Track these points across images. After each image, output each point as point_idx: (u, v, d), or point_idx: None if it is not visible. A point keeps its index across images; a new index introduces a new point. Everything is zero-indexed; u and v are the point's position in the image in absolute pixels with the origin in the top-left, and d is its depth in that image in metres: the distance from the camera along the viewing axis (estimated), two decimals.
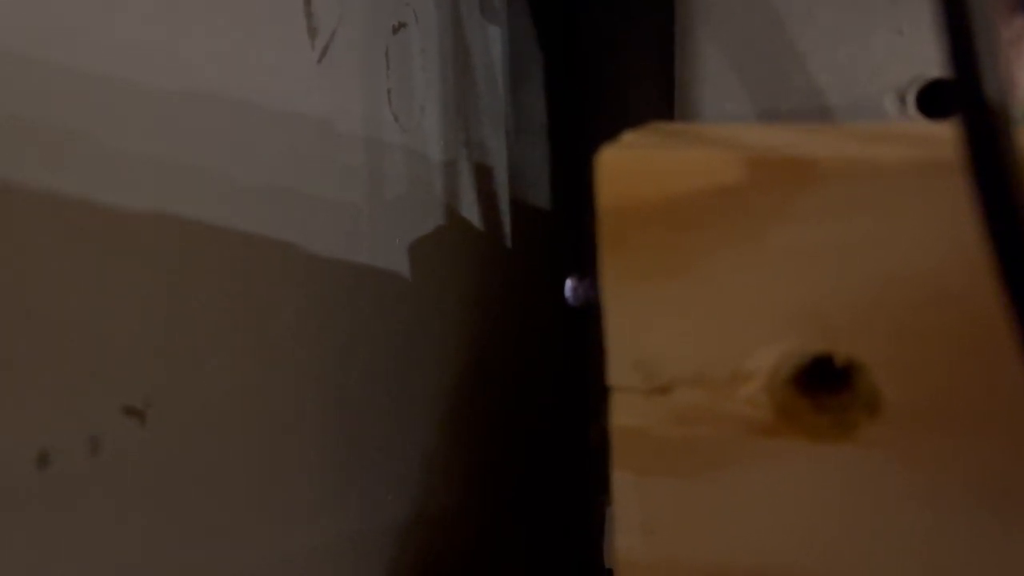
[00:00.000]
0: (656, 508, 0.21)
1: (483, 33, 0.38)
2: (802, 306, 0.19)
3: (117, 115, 0.21)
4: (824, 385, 0.20)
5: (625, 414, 0.21)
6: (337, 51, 0.28)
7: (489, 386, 0.40)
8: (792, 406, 0.20)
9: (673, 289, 0.20)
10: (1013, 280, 0.15)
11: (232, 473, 0.24)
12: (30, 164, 0.19)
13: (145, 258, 0.21)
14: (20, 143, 0.18)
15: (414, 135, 0.33)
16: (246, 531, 0.25)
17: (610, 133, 0.21)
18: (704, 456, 0.21)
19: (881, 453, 0.19)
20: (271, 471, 0.26)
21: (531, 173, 0.43)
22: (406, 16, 0.32)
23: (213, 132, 0.23)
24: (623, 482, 0.21)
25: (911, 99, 0.28)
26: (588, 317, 0.43)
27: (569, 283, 0.41)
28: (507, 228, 0.41)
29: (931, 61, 0.28)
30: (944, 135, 0.17)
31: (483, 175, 0.39)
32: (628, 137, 0.21)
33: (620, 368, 0.20)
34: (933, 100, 0.28)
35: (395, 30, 0.31)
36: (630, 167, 0.19)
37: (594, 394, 0.22)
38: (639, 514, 0.21)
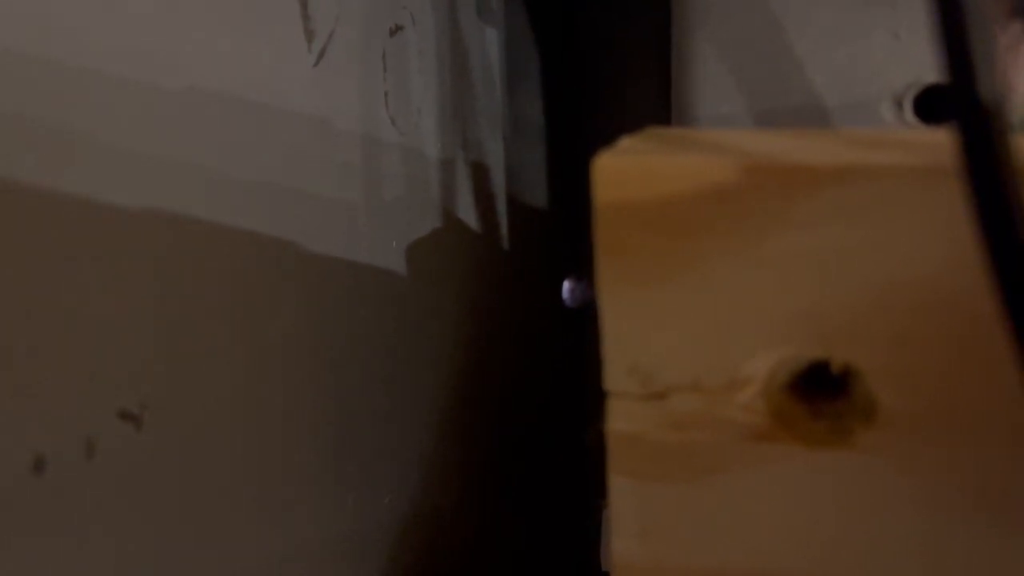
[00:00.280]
0: (652, 513, 0.21)
1: (480, 35, 0.38)
2: (799, 312, 0.19)
3: (114, 116, 0.21)
4: (820, 391, 0.20)
5: (621, 419, 0.21)
6: (334, 54, 0.28)
7: (486, 387, 0.40)
8: (788, 412, 0.20)
9: (670, 295, 0.20)
10: (1009, 285, 0.15)
11: (229, 476, 0.24)
12: (25, 164, 0.18)
13: (141, 260, 0.21)
14: (16, 142, 0.18)
15: (411, 137, 0.33)
16: (243, 534, 0.25)
17: (607, 134, 0.21)
18: (700, 461, 0.21)
19: (877, 459, 0.19)
20: (268, 473, 0.26)
21: (528, 174, 0.43)
22: (403, 19, 0.32)
23: (210, 134, 0.23)
24: (620, 487, 0.21)
25: (908, 104, 0.28)
26: (585, 318, 0.43)
27: (566, 284, 0.41)
28: (504, 229, 0.41)
29: (928, 66, 0.28)
30: (941, 141, 0.17)
31: (480, 176, 0.39)
32: (625, 142, 0.21)
33: (616, 373, 0.20)
34: (930, 105, 0.28)
35: (392, 33, 0.31)
36: (627, 173, 0.19)
37: (592, 395, 0.22)
38: (635, 518, 0.21)
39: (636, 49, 0.43)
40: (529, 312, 0.43)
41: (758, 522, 0.20)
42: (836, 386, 0.19)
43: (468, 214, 0.38)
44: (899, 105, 0.28)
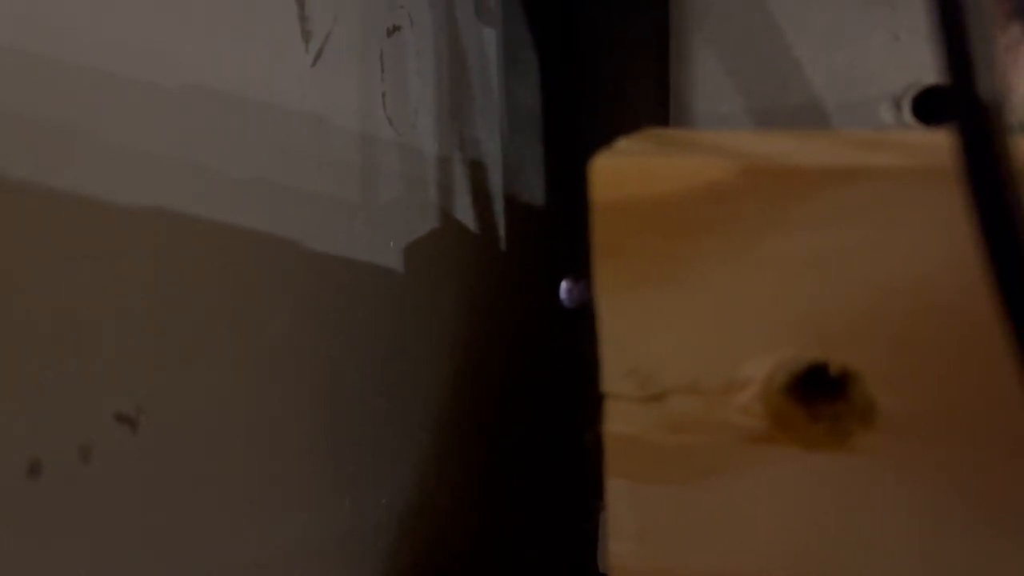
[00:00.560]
0: (650, 515, 0.21)
1: (478, 35, 0.38)
2: (797, 315, 0.19)
3: (111, 114, 0.20)
4: (819, 394, 0.20)
5: (619, 421, 0.21)
6: (331, 54, 0.28)
7: (484, 387, 0.39)
8: (787, 414, 0.20)
9: (667, 297, 0.20)
10: (1008, 288, 0.15)
11: (226, 478, 0.24)
12: (20, 162, 0.18)
13: (137, 260, 0.21)
14: (12, 140, 0.18)
15: (409, 138, 0.33)
16: (240, 536, 0.25)
17: (605, 134, 0.21)
18: (698, 464, 0.20)
19: (876, 462, 0.19)
20: (265, 475, 0.26)
21: (526, 174, 0.43)
22: (400, 19, 0.32)
23: (207, 134, 0.23)
24: (617, 489, 0.21)
25: (907, 105, 0.28)
26: (583, 318, 0.43)
27: (564, 284, 0.41)
28: (502, 229, 0.41)
29: (927, 67, 0.28)
30: (940, 143, 0.17)
31: (478, 176, 0.39)
32: (622, 144, 0.21)
33: (614, 375, 0.20)
34: (929, 107, 0.28)
35: (390, 33, 0.31)
36: (624, 174, 0.19)
37: (589, 396, 0.22)
38: (633, 521, 0.21)
39: (634, 49, 0.43)
40: (527, 312, 0.43)
41: (756, 525, 0.20)
42: (834, 388, 0.19)
43: (466, 214, 0.38)
44: (898, 106, 0.28)
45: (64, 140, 0.19)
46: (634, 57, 0.43)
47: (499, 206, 0.40)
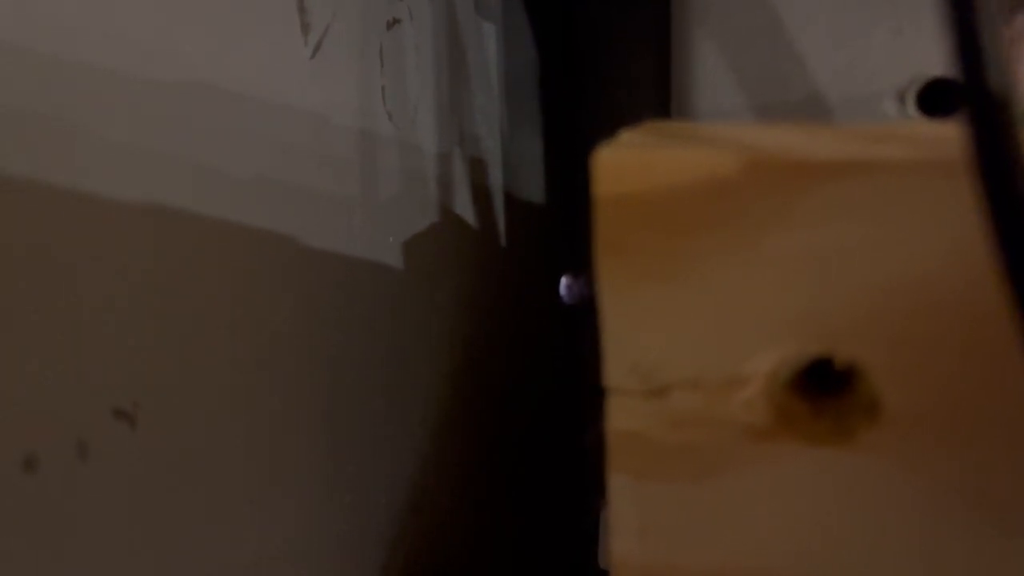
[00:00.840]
0: (652, 512, 0.21)
1: (478, 29, 0.38)
2: (802, 309, 0.19)
3: (108, 108, 0.20)
4: (823, 390, 0.19)
5: (621, 417, 0.20)
6: (330, 47, 0.28)
7: (483, 384, 0.39)
8: (790, 410, 0.20)
9: (670, 291, 0.19)
10: (1017, 279, 0.15)
11: (224, 474, 0.24)
12: (17, 157, 0.18)
13: (135, 256, 0.21)
14: (8, 136, 0.18)
15: (408, 132, 0.32)
16: (239, 533, 0.25)
17: (605, 130, 0.21)
18: (701, 460, 0.20)
19: (881, 459, 0.19)
20: (264, 472, 0.26)
21: (526, 170, 0.43)
22: (400, 12, 0.32)
23: (205, 127, 0.23)
24: (619, 485, 0.21)
25: (911, 99, 0.28)
26: (583, 315, 0.43)
27: (564, 281, 0.40)
28: (501, 225, 0.40)
29: (931, 60, 0.27)
30: (945, 135, 0.16)
31: (478, 172, 0.38)
32: (625, 136, 0.21)
33: (617, 370, 0.20)
34: (933, 100, 0.28)
35: (389, 26, 0.31)
36: (627, 167, 0.19)
37: (589, 393, 0.21)
38: (635, 518, 0.21)
39: (635, 44, 0.42)
40: (526, 309, 0.43)
41: (758, 522, 0.20)
42: (839, 384, 0.19)
43: (465, 210, 0.37)
44: (902, 100, 0.28)
45: (59, 134, 0.19)
46: (634, 52, 0.42)
47: (499, 202, 0.40)
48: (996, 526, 0.19)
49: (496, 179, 0.40)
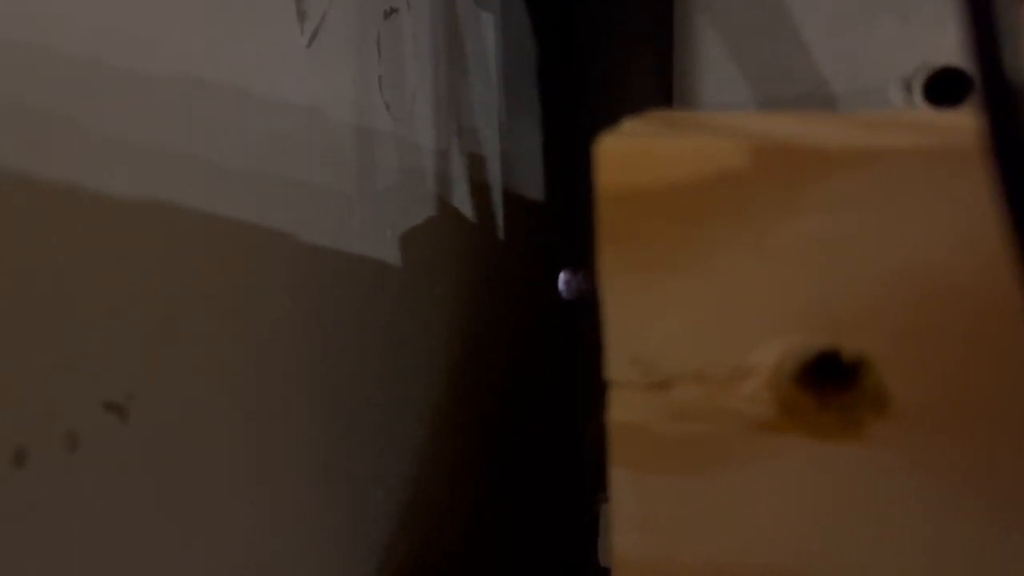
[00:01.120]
0: (654, 506, 0.21)
1: (476, 20, 0.38)
2: (808, 300, 0.19)
3: (101, 100, 0.20)
4: (830, 382, 0.19)
5: (623, 409, 0.20)
6: (327, 36, 0.27)
7: (482, 379, 0.39)
8: (796, 403, 0.19)
9: (674, 282, 0.19)
10: None
11: (218, 469, 0.24)
12: (9, 149, 0.18)
13: (127, 247, 0.21)
14: (3, 130, 0.18)
15: (406, 123, 0.32)
16: (232, 529, 0.25)
17: (606, 122, 0.20)
18: (704, 453, 0.20)
19: (888, 452, 0.19)
20: (258, 467, 0.26)
21: (525, 163, 0.43)
22: (398, 2, 0.31)
23: (200, 117, 0.23)
24: (621, 479, 0.21)
25: (917, 88, 0.28)
26: (582, 310, 0.43)
27: (563, 276, 0.40)
28: (500, 219, 0.40)
29: (937, 49, 0.27)
30: (953, 123, 0.16)
31: (476, 165, 0.38)
32: (629, 125, 0.20)
33: (618, 362, 0.20)
34: (940, 89, 0.28)
35: (386, 15, 0.31)
36: (630, 156, 0.19)
37: (588, 387, 0.21)
38: (637, 512, 0.21)
39: (636, 35, 0.42)
40: (525, 303, 0.43)
41: (762, 516, 0.20)
42: (846, 376, 0.19)
43: (463, 203, 0.37)
44: (908, 89, 0.28)
45: (52, 128, 0.19)
46: (635, 44, 0.42)
47: (497, 196, 0.40)
48: (1004, 520, 0.19)
49: (494, 172, 0.40)
